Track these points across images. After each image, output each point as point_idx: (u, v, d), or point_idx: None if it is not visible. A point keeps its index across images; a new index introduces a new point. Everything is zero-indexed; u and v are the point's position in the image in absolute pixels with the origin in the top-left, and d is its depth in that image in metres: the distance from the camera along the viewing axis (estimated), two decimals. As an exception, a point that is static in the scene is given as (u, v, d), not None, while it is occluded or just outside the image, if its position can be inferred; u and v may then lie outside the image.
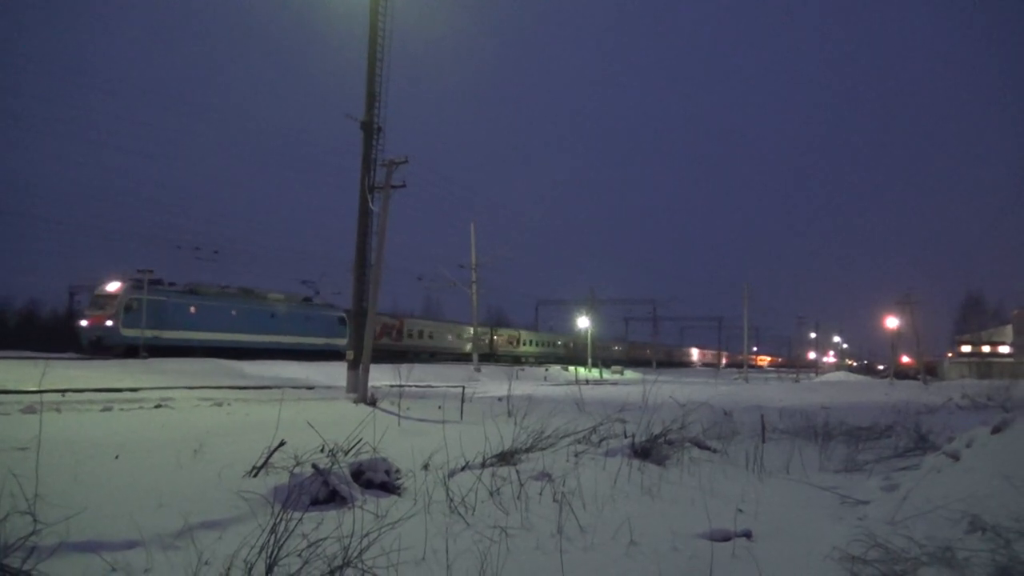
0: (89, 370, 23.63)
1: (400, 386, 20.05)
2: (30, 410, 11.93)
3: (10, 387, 16.23)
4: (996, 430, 6.39)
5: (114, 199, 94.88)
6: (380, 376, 23.13)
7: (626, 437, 9.23)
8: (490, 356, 57.07)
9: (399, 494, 6.37)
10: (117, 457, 7.54)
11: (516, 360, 61.64)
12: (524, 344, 67.18)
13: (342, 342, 42.06)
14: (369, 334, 19.39)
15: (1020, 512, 4.58)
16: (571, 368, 58.03)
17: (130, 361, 28.85)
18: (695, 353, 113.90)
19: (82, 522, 4.60)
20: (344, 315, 42.68)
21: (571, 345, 73.54)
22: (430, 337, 53.65)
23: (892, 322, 63.41)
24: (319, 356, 39.29)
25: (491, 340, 60.66)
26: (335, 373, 27.77)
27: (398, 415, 13.04)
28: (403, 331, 50.64)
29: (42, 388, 15.28)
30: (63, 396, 16.31)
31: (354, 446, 7.76)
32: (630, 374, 65.14)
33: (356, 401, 17.55)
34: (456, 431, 9.60)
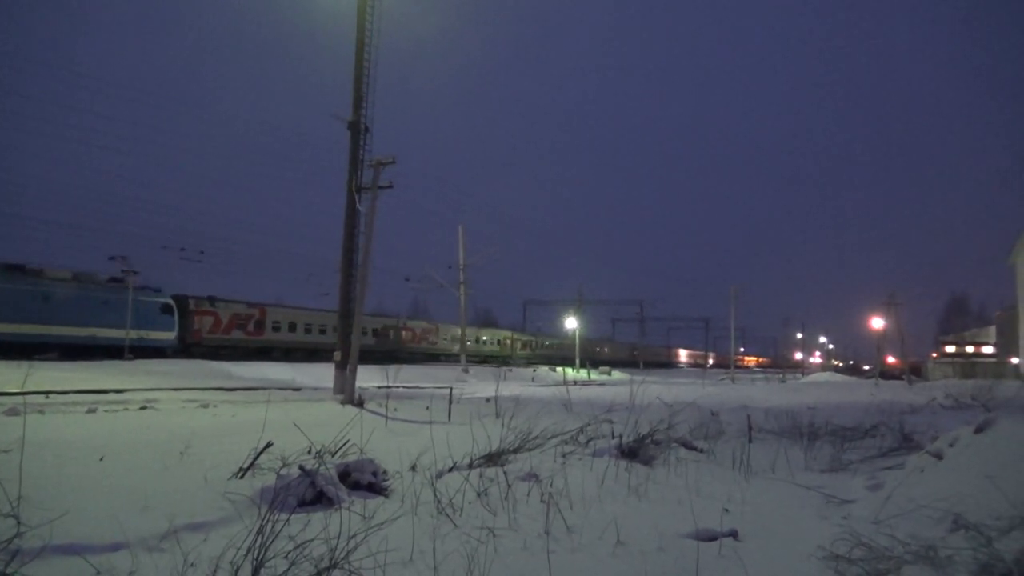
0: (74, 372, 23.44)
1: (388, 387, 20.04)
2: (13, 412, 11.80)
3: (-8, 389, 16.05)
4: (979, 430, 6.47)
5: (99, 198, 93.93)
6: (369, 377, 23.10)
7: (613, 438, 9.27)
8: (398, 352, 48.44)
9: (386, 495, 6.36)
10: (102, 459, 7.47)
11: (432, 357, 53.40)
12: (445, 339, 56.51)
13: (166, 336, 34.22)
14: (356, 334, 19.34)
15: (1002, 511, 4.64)
16: (559, 368, 57.70)
17: (116, 362, 28.60)
18: (683, 353, 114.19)
19: (66, 524, 4.56)
20: (171, 302, 34.76)
21: (508, 343, 65.04)
22: (307, 331, 43.28)
23: (877, 323, 63.91)
24: (133, 353, 30.99)
25: (399, 333, 51.65)
26: (323, 374, 27.67)
27: (385, 416, 13.00)
28: (265, 323, 40.74)
29: (25, 390, 15.12)
30: (47, 398, 16.18)
31: (341, 447, 7.74)
32: (618, 375, 65.26)
33: (343, 402, 17.49)
34: (444, 432, 9.58)
